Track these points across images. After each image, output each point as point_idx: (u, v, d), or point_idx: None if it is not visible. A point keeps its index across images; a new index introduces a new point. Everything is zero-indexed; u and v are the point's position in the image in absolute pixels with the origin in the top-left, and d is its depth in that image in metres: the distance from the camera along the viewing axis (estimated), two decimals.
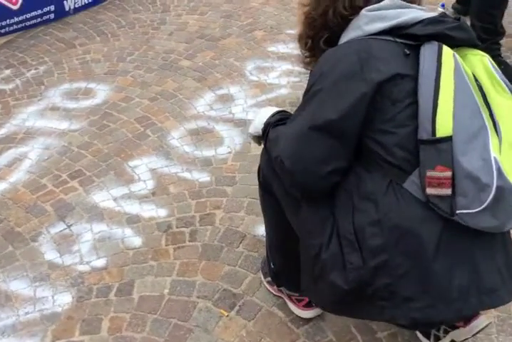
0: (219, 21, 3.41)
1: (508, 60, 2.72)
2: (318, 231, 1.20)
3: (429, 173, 1.07)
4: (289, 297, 1.64)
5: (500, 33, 2.55)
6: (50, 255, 1.91)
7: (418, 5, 1.28)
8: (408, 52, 1.16)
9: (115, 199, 2.14)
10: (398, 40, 1.18)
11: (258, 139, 1.46)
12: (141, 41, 3.25)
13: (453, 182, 1.06)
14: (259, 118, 1.42)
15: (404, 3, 1.22)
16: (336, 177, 1.18)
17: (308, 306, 1.60)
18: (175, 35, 3.28)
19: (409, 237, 1.10)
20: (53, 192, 2.18)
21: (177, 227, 1.99)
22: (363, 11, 1.21)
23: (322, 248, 1.18)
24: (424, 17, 1.18)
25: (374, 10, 1.20)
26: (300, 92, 2.61)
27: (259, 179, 1.49)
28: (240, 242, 1.91)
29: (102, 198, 2.15)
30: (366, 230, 1.13)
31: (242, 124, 2.50)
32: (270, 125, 1.34)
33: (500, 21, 2.59)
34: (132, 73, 2.94)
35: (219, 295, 1.73)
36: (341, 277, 1.15)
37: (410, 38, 1.18)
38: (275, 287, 1.69)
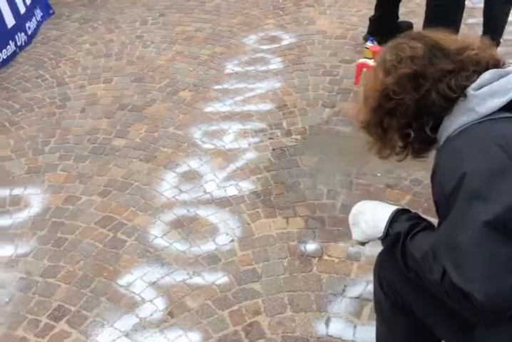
0: (131, 86, 3.10)
1: None
2: None
3: None
4: None
5: None
6: None
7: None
8: None
9: (127, 335, 1.75)
10: None
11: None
12: (50, 125, 2.81)
13: None
14: (369, 222, 1.23)
15: (501, 70, 1.12)
16: None
17: None
18: (89, 111, 2.90)
19: None
20: None
21: None
22: (470, 91, 1.08)
23: None
24: None
25: (479, 87, 1.09)
26: (269, 154, 2.46)
27: (384, 292, 1.28)
28: None
29: (110, 338, 1.74)
30: None
31: (226, 203, 2.24)
32: (403, 234, 1.13)
33: None
34: (61, 166, 2.52)
35: None
36: None
37: None
38: None
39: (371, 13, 3.59)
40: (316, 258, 1.95)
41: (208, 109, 2.85)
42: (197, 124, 2.73)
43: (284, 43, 3.41)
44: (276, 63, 3.20)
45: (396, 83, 1.12)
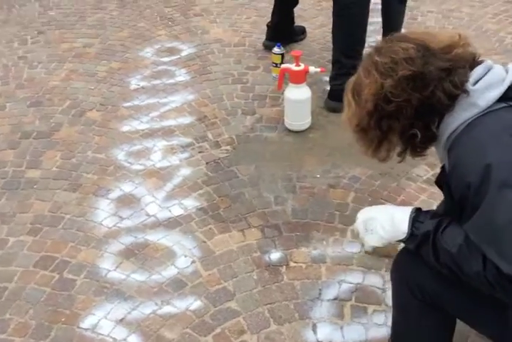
0: (29, 112, 2.87)
1: None
2: None
3: None
4: None
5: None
6: None
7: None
8: None
9: None
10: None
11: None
12: None
13: None
14: (386, 226, 1.27)
15: (486, 63, 1.21)
16: None
17: None
18: None
19: None
20: None
21: None
22: (469, 86, 1.16)
23: None
24: None
25: (475, 82, 1.16)
26: (204, 168, 2.42)
27: (411, 292, 1.31)
28: None
29: None
30: None
31: (175, 224, 2.16)
32: (433, 232, 1.18)
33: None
34: None
35: None
36: None
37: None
38: None
39: (261, 19, 3.71)
40: (284, 267, 1.96)
41: (125, 128, 2.73)
42: (118, 145, 2.61)
43: (184, 53, 3.37)
44: (182, 75, 3.15)
45: (397, 85, 1.15)
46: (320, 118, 2.70)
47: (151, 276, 1.95)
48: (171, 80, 3.11)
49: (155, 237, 2.11)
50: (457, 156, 1.14)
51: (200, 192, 2.31)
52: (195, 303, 1.85)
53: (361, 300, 1.84)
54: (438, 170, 2.30)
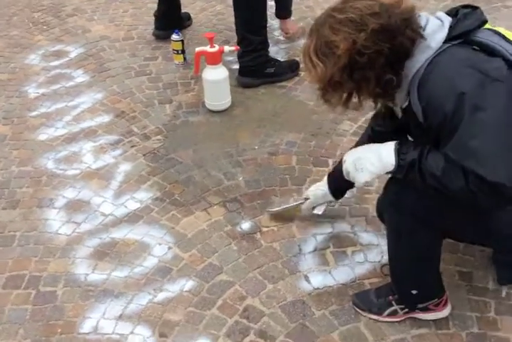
0: None
1: None
2: None
3: None
4: (426, 310, 1.71)
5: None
6: None
7: None
8: (476, 47, 1.36)
9: None
10: (454, 42, 1.36)
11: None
12: None
13: None
14: (375, 163, 1.42)
15: (423, 13, 1.41)
16: None
17: (445, 302, 1.73)
18: None
19: None
20: None
21: None
22: (422, 32, 1.34)
23: None
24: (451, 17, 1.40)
25: (424, 28, 1.35)
26: (143, 160, 2.42)
27: (404, 216, 1.48)
28: None
29: None
30: None
31: (136, 218, 2.17)
32: (417, 160, 1.34)
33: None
34: None
35: None
36: None
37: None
38: (400, 313, 1.73)
39: (139, 11, 3.74)
40: (258, 233, 2.08)
41: (42, 137, 2.64)
42: (41, 154, 2.52)
43: (73, 55, 3.30)
44: (80, 76, 3.09)
45: (368, 38, 1.28)
46: (237, 95, 2.82)
47: (133, 269, 1.96)
48: (71, 83, 3.04)
49: (120, 234, 2.11)
50: (429, 92, 1.31)
51: (149, 183, 2.34)
52: (187, 284, 1.90)
53: (338, 245, 2.02)
54: (360, 124, 2.57)
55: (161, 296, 1.87)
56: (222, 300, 1.85)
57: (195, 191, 2.28)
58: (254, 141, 2.55)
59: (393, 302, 1.73)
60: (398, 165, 1.39)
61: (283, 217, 2.12)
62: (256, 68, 2.85)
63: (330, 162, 2.39)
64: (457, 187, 1.29)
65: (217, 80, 2.64)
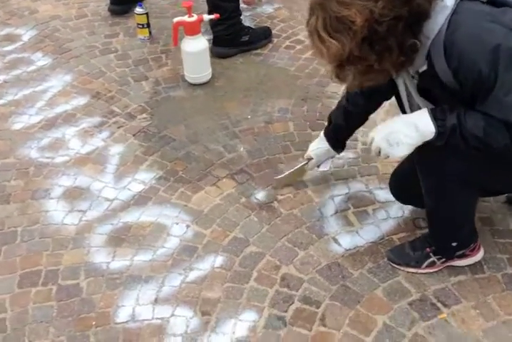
0: None
1: None
2: None
3: None
4: (462, 256, 1.76)
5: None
6: None
7: None
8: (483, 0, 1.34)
9: None
10: None
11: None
12: None
13: None
14: (410, 134, 1.39)
15: None
16: None
17: (479, 246, 1.78)
18: None
19: None
20: None
21: None
22: None
23: None
24: None
25: None
26: (134, 141, 2.33)
27: (448, 177, 1.49)
28: None
29: None
30: None
31: (144, 199, 2.08)
32: (457, 124, 1.33)
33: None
34: None
35: None
36: None
37: None
38: (438, 263, 1.77)
39: None
40: (275, 202, 2.05)
41: (16, 126, 2.47)
42: (21, 144, 2.36)
43: (26, 38, 3.09)
44: (41, 59, 2.90)
45: (385, 5, 1.23)
46: (215, 66, 2.73)
47: (156, 252, 1.89)
48: (32, 67, 2.85)
49: (132, 217, 2.02)
50: (459, 51, 1.28)
51: (147, 163, 2.24)
52: (217, 260, 1.85)
53: (357, 205, 2.02)
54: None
55: (193, 275, 1.81)
56: (256, 272, 1.81)
57: (198, 166, 2.21)
58: (244, 111, 2.49)
59: (430, 254, 1.76)
60: (439, 132, 1.37)
61: (292, 182, 2.10)
62: (231, 36, 2.77)
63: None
64: (502, 143, 1.32)
65: (197, 52, 2.55)
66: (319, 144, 1.97)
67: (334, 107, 2.42)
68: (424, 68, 1.38)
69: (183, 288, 1.78)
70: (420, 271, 1.78)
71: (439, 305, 1.70)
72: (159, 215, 2.02)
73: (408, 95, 1.53)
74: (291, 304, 1.72)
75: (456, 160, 1.45)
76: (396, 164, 1.91)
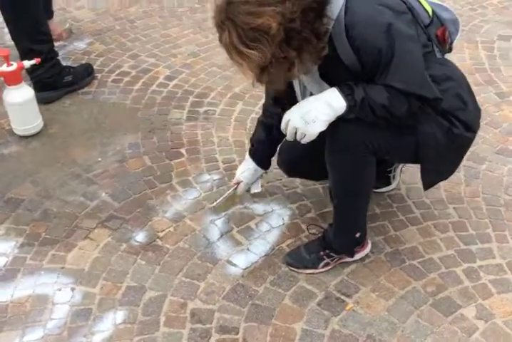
0: None
1: None
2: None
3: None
4: (353, 253, 1.89)
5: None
6: None
7: None
8: None
9: None
10: None
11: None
12: None
13: None
14: (324, 111, 1.48)
15: None
16: None
17: (367, 241, 1.93)
18: None
19: None
20: None
21: None
22: None
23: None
24: None
25: None
26: None
27: (359, 152, 1.58)
28: None
29: None
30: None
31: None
32: (366, 97, 1.46)
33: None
34: None
35: None
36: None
37: None
38: (332, 263, 1.88)
39: None
40: (158, 240, 2.00)
41: None
42: None
43: None
44: None
45: (293, 3, 1.33)
46: (43, 113, 2.56)
47: (46, 326, 1.72)
48: None
49: (5, 296, 1.81)
50: (360, 32, 1.42)
51: (1, 232, 2.04)
52: (117, 316, 1.74)
53: (239, 224, 2.06)
54: (188, 109, 2.61)
55: (97, 339, 1.69)
56: (164, 316, 1.75)
57: (61, 223, 2.07)
58: (93, 154, 2.39)
59: (324, 257, 1.86)
60: (350, 106, 1.48)
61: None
62: (53, 79, 2.65)
63: (183, 151, 2.39)
64: (402, 110, 1.49)
65: (24, 101, 2.38)
66: (245, 167, 1.97)
67: (182, 133, 2.51)
68: (325, 52, 1.47)
69: None
70: (317, 271, 1.87)
71: (343, 297, 1.81)
72: (35, 286, 1.85)
73: (304, 88, 1.65)
74: (209, 338, 1.69)
75: (366, 132, 1.56)
76: None
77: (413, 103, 1.49)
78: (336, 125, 1.54)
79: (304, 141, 1.55)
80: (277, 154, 1.98)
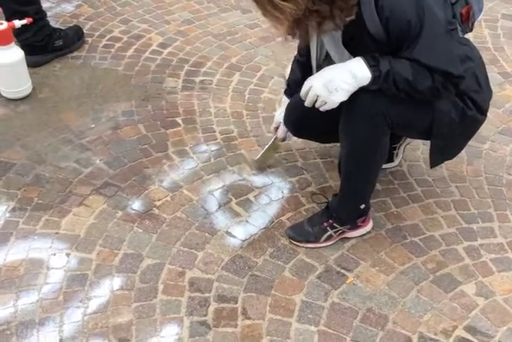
0: None
1: None
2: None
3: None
4: (357, 227, 1.98)
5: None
6: None
7: None
8: None
9: None
10: None
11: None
12: None
13: None
14: (348, 80, 1.55)
15: None
16: None
17: (369, 218, 2.02)
18: None
19: None
20: None
21: None
22: None
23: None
24: None
25: None
26: None
27: (376, 123, 1.65)
28: None
29: None
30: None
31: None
32: (391, 69, 1.53)
33: None
34: None
35: None
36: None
37: None
38: (334, 236, 1.97)
39: None
40: (154, 209, 2.07)
41: None
42: None
43: None
44: None
45: None
46: (32, 77, 2.58)
47: (41, 290, 1.78)
48: None
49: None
50: (389, 4, 1.49)
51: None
52: (114, 282, 1.82)
53: (238, 195, 2.14)
54: (183, 78, 2.64)
55: (94, 305, 1.76)
56: (162, 284, 1.83)
57: (54, 188, 2.12)
58: (85, 120, 2.43)
59: (327, 228, 1.94)
60: (374, 77, 1.56)
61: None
62: (43, 42, 2.66)
63: (179, 120, 2.45)
64: (426, 86, 1.55)
65: (14, 62, 2.40)
66: (283, 107, 2.03)
67: (178, 102, 2.56)
68: (352, 17, 1.53)
69: (87, 320, 1.72)
70: (319, 245, 1.96)
71: (343, 271, 1.91)
72: (29, 250, 1.90)
73: (319, 54, 1.72)
74: (208, 307, 1.77)
75: (385, 104, 1.63)
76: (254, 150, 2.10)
77: (437, 79, 1.55)
78: (356, 94, 1.60)
79: (323, 109, 1.62)
80: (284, 111, 2.04)
